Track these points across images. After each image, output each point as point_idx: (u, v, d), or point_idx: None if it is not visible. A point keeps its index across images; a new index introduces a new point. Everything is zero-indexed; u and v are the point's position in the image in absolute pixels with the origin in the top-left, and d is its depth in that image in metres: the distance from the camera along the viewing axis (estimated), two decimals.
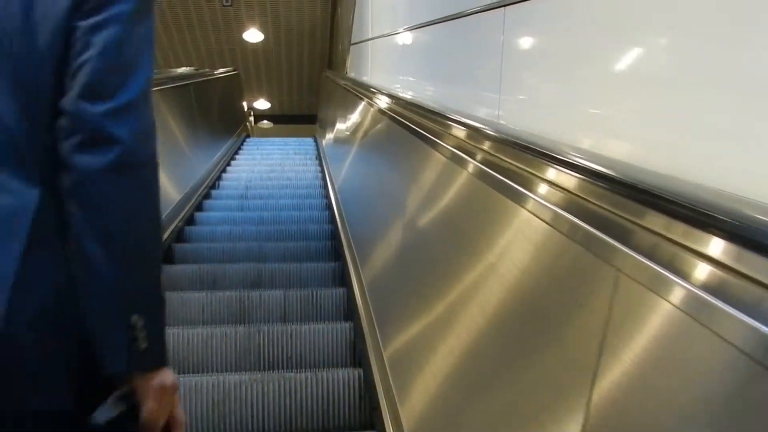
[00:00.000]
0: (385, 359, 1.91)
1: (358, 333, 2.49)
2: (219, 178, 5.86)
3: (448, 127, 1.81)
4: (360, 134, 3.94)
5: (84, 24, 0.85)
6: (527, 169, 1.17)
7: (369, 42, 5.41)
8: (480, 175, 1.44)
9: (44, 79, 0.85)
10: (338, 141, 5.42)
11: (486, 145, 1.44)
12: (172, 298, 2.85)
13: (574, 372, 0.86)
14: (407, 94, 3.11)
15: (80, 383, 0.86)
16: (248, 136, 9.25)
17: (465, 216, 1.56)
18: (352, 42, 6.94)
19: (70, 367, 0.85)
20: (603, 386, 0.77)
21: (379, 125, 3.23)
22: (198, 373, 2.36)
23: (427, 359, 1.52)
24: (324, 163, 5.99)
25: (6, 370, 0.79)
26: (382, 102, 3.18)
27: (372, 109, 3.53)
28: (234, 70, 9.00)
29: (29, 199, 0.83)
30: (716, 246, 0.64)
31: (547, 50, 1.49)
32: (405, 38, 3.52)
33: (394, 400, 1.69)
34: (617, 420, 0.74)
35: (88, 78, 0.83)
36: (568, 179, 1.01)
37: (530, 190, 1.13)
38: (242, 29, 10.50)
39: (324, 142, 6.95)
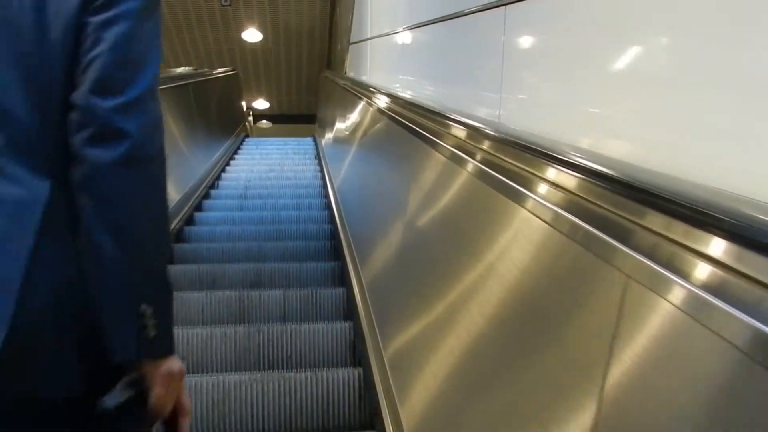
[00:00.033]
0: (385, 359, 1.92)
1: (357, 333, 2.49)
2: (218, 178, 5.86)
3: (449, 126, 1.81)
4: (359, 134, 3.94)
5: (94, 20, 0.87)
6: (528, 168, 1.17)
7: (368, 42, 5.41)
8: (480, 175, 1.44)
9: (56, 74, 0.87)
10: (337, 141, 5.41)
11: (486, 145, 1.44)
12: None
13: (574, 372, 0.86)
14: (407, 94, 3.11)
15: (90, 370, 0.88)
16: (247, 136, 9.24)
17: (465, 216, 1.56)
18: (351, 42, 6.94)
19: (80, 355, 0.87)
20: (603, 387, 0.77)
21: (378, 125, 3.23)
22: (198, 373, 2.36)
23: (427, 359, 1.52)
24: (323, 163, 5.99)
25: (18, 358, 0.81)
26: (382, 102, 3.18)
27: (371, 108, 3.53)
28: (233, 70, 9.00)
29: (40, 192, 0.85)
30: (717, 246, 0.64)
31: (548, 50, 1.48)
32: (404, 38, 3.52)
33: (394, 401, 1.69)
34: (618, 420, 0.74)
35: (98, 73, 0.85)
36: (569, 179, 1.01)
37: (531, 190, 1.13)
38: (241, 29, 10.49)
39: (323, 141, 6.95)
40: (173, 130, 4.68)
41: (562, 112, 1.37)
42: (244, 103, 10.50)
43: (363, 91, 4.03)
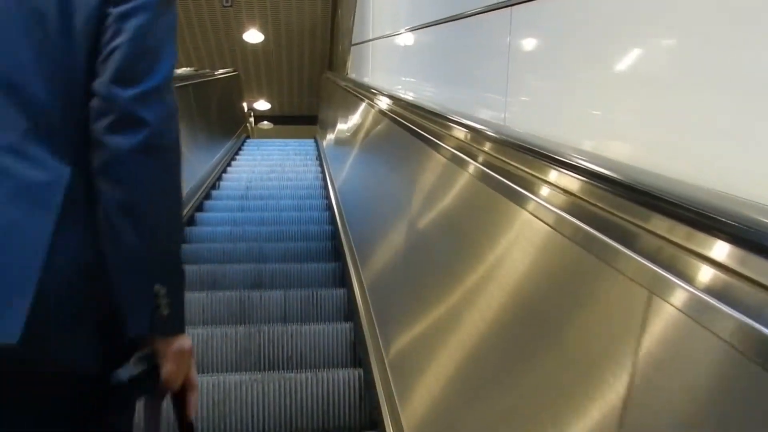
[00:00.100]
0: (386, 360, 1.92)
1: (358, 334, 2.49)
2: (219, 178, 5.86)
3: (451, 129, 1.81)
4: (361, 135, 3.94)
5: (115, 11, 0.91)
6: (537, 174, 1.16)
7: (370, 43, 5.41)
8: (485, 178, 1.43)
9: (78, 63, 0.91)
10: (339, 142, 5.42)
11: (496, 150, 1.42)
12: None
13: (575, 376, 0.86)
14: (409, 96, 3.11)
15: (106, 345, 0.92)
16: (248, 137, 9.25)
17: (466, 218, 1.56)
18: (353, 43, 6.94)
19: (97, 332, 0.92)
20: (605, 390, 0.77)
21: (379, 127, 3.23)
22: (198, 373, 2.35)
23: (428, 361, 1.52)
24: (324, 164, 5.99)
25: (40, 333, 0.83)
26: (383, 103, 3.18)
27: (373, 110, 3.53)
28: (234, 71, 9.00)
29: (62, 175, 0.88)
30: (720, 249, 0.64)
31: (556, 51, 1.46)
32: (407, 39, 3.52)
33: (395, 402, 1.69)
34: (620, 424, 0.74)
35: (119, 63, 0.89)
36: (575, 183, 1.00)
37: (536, 194, 1.13)
38: (242, 30, 10.50)
39: (324, 143, 6.95)
40: None
41: (572, 115, 1.35)
42: (245, 104, 10.50)
43: (365, 92, 4.03)
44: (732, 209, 0.69)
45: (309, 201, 5.03)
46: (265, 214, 4.55)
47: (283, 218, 4.46)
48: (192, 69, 7.45)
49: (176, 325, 0.95)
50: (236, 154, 7.34)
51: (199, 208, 4.78)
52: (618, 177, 0.91)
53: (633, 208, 0.82)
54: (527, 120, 1.59)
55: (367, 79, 5.30)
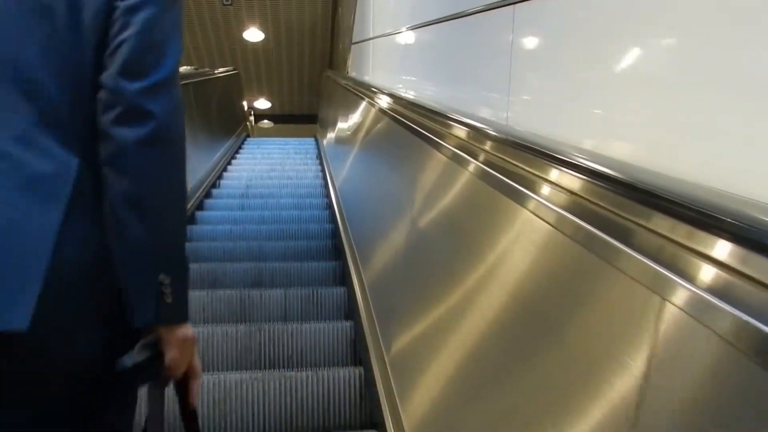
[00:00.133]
0: (386, 359, 1.92)
1: (358, 333, 2.49)
2: (220, 177, 5.86)
3: (453, 127, 1.81)
4: (361, 134, 3.94)
5: (123, 4, 0.93)
6: (538, 173, 1.16)
7: (370, 41, 5.40)
8: (486, 177, 1.43)
9: (86, 57, 0.92)
10: (339, 141, 5.41)
11: (497, 149, 1.42)
12: None
13: (576, 375, 0.86)
14: (410, 95, 3.10)
15: (110, 333, 0.95)
16: (248, 135, 9.24)
17: (468, 217, 1.56)
18: (353, 41, 6.93)
19: (102, 319, 0.94)
20: (606, 390, 0.77)
21: (380, 125, 3.23)
22: None
23: (429, 359, 1.52)
24: (325, 163, 5.99)
25: (46, 318, 0.85)
26: (384, 102, 3.17)
27: (373, 109, 3.53)
28: (234, 70, 8.99)
29: (71, 167, 0.90)
30: (721, 248, 0.64)
31: (560, 49, 1.46)
32: (408, 37, 3.52)
33: (395, 400, 1.69)
34: (621, 424, 0.74)
35: (126, 56, 0.91)
36: (577, 182, 1.00)
37: (539, 194, 1.13)
38: (242, 28, 10.49)
39: (325, 141, 6.95)
40: None
41: (576, 114, 1.35)
42: (245, 103, 10.50)
43: (365, 91, 4.03)
44: (733, 208, 0.69)
45: (309, 200, 5.03)
46: (266, 213, 4.56)
47: (284, 217, 4.46)
48: (192, 68, 7.43)
49: (180, 313, 0.97)
50: (236, 152, 7.34)
51: (200, 206, 4.78)
52: (619, 176, 0.91)
53: (634, 207, 0.82)
54: (530, 119, 1.58)
55: (368, 78, 5.30)
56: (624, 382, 0.74)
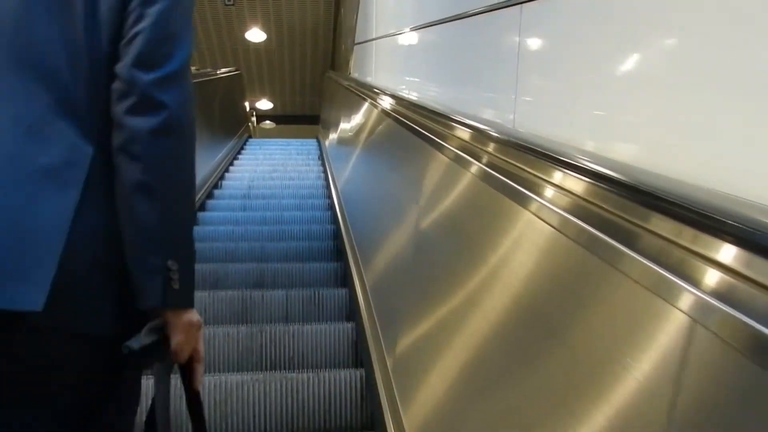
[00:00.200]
0: (388, 361, 1.91)
1: (360, 334, 2.49)
2: (221, 178, 5.87)
3: (457, 129, 1.80)
4: (363, 135, 3.94)
5: None
6: (541, 175, 1.16)
7: (373, 42, 5.40)
8: (489, 179, 1.43)
9: (102, 46, 0.95)
10: (341, 142, 5.41)
11: (502, 151, 1.40)
12: None
13: (579, 378, 0.86)
14: (413, 96, 3.10)
15: (120, 314, 0.97)
16: (250, 136, 9.25)
17: (470, 219, 1.56)
18: (356, 42, 6.93)
19: (114, 300, 0.97)
20: (609, 393, 0.77)
21: (382, 127, 3.23)
22: None
23: (431, 361, 1.52)
24: (326, 164, 5.99)
25: (60, 297, 0.87)
26: (387, 103, 3.17)
27: (376, 110, 3.53)
28: (236, 70, 8.99)
29: (85, 155, 0.93)
30: (726, 251, 0.64)
31: (569, 50, 1.44)
32: (411, 38, 3.51)
33: (396, 402, 1.69)
34: (624, 425, 0.74)
35: (141, 47, 0.94)
36: (580, 184, 1.00)
37: (541, 196, 1.12)
38: (244, 29, 10.49)
39: (327, 142, 6.95)
40: None
41: (585, 116, 1.33)
42: (247, 104, 10.50)
43: (367, 92, 4.03)
44: (737, 211, 0.69)
45: (311, 200, 5.03)
46: (267, 214, 4.56)
47: (285, 218, 4.47)
48: (194, 68, 7.44)
49: (186, 298, 1.00)
50: (238, 153, 7.35)
51: (202, 207, 4.79)
52: (621, 178, 0.91)
53: (637, 209, 0.82)
54: (538, 120, 1.56)
55: (370, 79, 5.30)
56: (627, 385, 0.74)
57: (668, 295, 0.68)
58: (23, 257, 0.86)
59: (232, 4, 9.68)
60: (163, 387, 1.04)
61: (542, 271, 1.08)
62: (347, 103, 5.21)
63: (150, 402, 1.06)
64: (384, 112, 3.18)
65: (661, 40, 1.07)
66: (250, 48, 11.14)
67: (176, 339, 1.00)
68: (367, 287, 2.57)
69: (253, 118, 11.96)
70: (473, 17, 2.14)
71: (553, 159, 1.12)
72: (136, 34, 0.94)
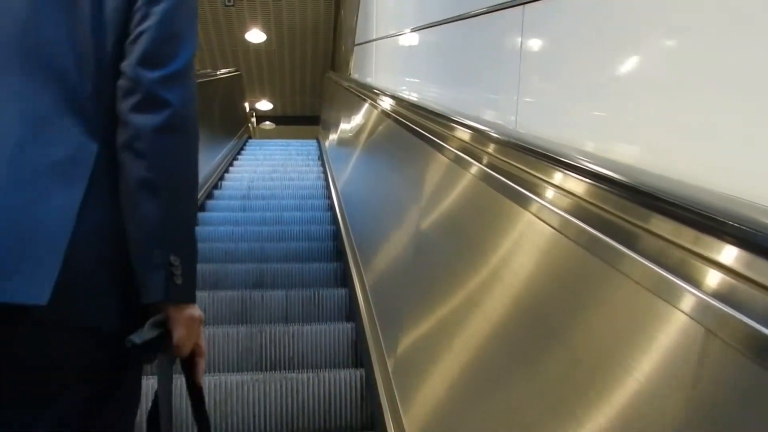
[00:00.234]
0: (388, 361, 1.91)
1: (359, 334, 2.49)
2: (221, 178, 5.87)
3: (457, 130, 1.80)
4: (363, 136, 3.94)
5: None
6: (541, 176, 1.16)
7: (373, 43, 5.40)
8: (489, 180, 1.43)
9: (108, 44, 0.97)
10: (341, 143, 5.41)
11: (502, 152, 1.40)
12: None
13: (579, 379, 0.86)
14: (413, 97, 3.10)
15: (124, 310, 0.98)
16: (250, 137, 9.25)
17: (470, 219, 1.56)
18: (356, 43, 6.93)
19: (117, 295, 0.98)
20: (609, 395, 0.77)
21: (382, 128, 3.23)
22: None
23: (431, 362, 1.52)
24: (326, 165, 5.99)
25: (65, 292, 0.88)
26: (387, 104, 3.17)
27: (376, 111, 3.53)
28: (236, 71, 8.99)
29: (90, 152, 0.94)
30: (727, 252, 0.64)
31: (573, 51, 1.44)
32: (412, 39, 3.51)
33: (396, 402, 1.69)
34: (625, 426, 0.74)
35: (146, 46, 0.96)
36: (580, 185, 1.00)
37: (542, 197, 1.12)
38: (244, 29, 10.49)
39: (327, 143, 6.95)
40: None
41: (588, 118, 1.33)
42: (247, 105, 10.50)
43: (368, 93, 4.03)
44: (737, 211, 0.69)
45: (311, 201, 5.03)
46: (267, 214, 4.56)
47: (285, 218, 4.47)
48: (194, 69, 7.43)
49: (188, 294, 1.01)
50: (238, 154, 7.34)
51: (202, 207, 4.79)
52: (622, 178, 0.91)
53: (637, 210, 0.82)
54: (540, 122, 1.56)
55: (371, 80, 5.30)
56: (627, 385, 0.74)
57: (669, 295, 0.68)
58: (28, 252, 0.87)
59: (232, 5, 9.68)
60: (165, 380, 1.05)
61: (543, 271, 1.08)
62: (347, 103, 5.21)
63: (150, 403, 1.06)
64: (384, 112, 3.19)
65: (662, 40, 1.07)
66: (250, 49, 11.14)
67: (178, 333, 1.01)
68: (367, 287, 2.57)
69: (253, 119, 11.96)
70: (475, 18, 2.14)
71: (553, 160, 1.12)
72: (142, 33, 0.96)
